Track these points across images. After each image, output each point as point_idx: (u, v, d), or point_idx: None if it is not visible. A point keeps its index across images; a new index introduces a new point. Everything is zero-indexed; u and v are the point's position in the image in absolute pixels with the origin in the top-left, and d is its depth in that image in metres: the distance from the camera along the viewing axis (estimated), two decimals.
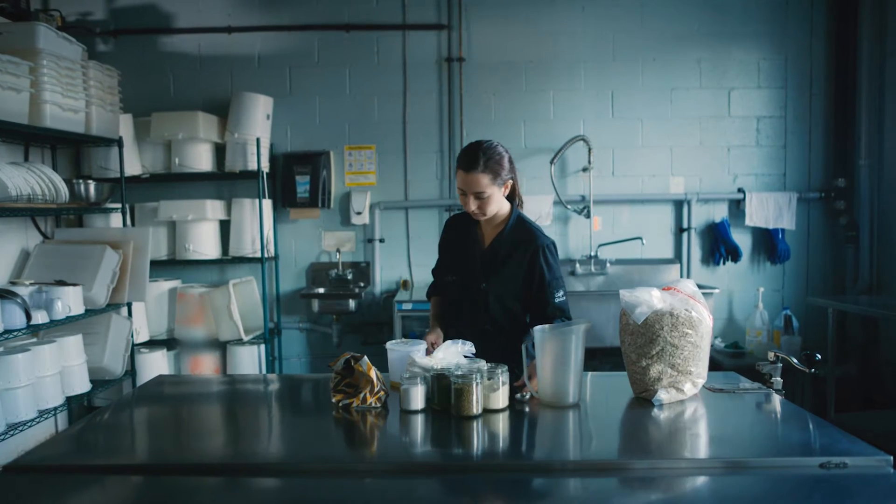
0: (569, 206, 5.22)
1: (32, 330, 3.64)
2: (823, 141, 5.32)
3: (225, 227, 5.23)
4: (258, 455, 1.99)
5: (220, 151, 5.19)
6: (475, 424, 2.12)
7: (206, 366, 5.05)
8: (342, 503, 1.74)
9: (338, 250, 5.33)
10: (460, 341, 2.50)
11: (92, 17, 5.23)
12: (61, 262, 4.18)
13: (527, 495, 1.73)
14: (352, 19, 5.27)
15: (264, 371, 5.07)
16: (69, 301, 3.85)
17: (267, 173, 5.08)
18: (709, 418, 2.21)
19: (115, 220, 4.83)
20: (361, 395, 2.25)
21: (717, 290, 4.92)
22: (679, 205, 5.37)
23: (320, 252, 5.40)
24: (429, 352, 2.59)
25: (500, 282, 2.77)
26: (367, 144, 5.33)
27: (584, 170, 5.28)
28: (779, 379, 2.42)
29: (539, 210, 5.24)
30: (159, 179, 5.13)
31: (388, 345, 2.52)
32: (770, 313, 5.09)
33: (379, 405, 2.27)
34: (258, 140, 4.90)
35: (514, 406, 2.28)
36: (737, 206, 5.34)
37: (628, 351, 2.35)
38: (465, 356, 2.41)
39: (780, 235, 5.28)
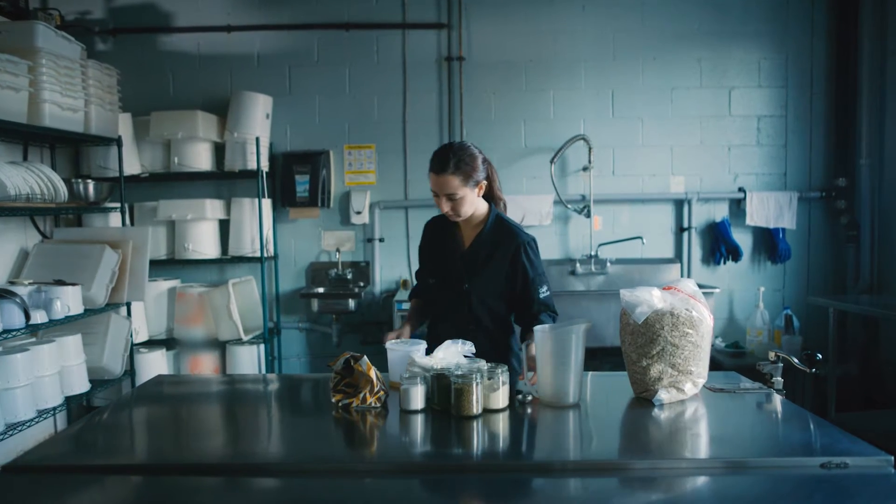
0: (569, 206, 5.22)
1: (31, 330, 3.63)
2: (824, 140, 5.32)
3: (224, 226, 5.22)
4: (258, 455, 1.98)
5: (219, 151, 5.18)
6: (475, 424, 2.11)
7: (205, 366, 5.04)
8: (342, 503, 1.73)
9: (337, 250, 5.32)
10: (460, 341, 2.50)
11: (91, 16, 5.22)
12: (60, 262, 4.17)
13: (527, 495, 1.72)
14: (351, 18, 5.27)
15: (264, 371, 5.07)
16: (68, 301, 3.85)
17: (266, 173, 5.08)
18: (709, 418, 2.20)
19: (115, 219, 4.82)
20: (361, 395, 2.25)
21: (717, 290, 4.91)
22: (679, 204, 5.36)
23: (320, 252, 5.40)
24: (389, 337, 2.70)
25: (482, 282, 2.77)
26: (366, 144, 5.32)
27: (585, 169, 5.27)
28: (779, 379, 2.42)
29: (539, 209, 5.24)
30: (158, 179, 5.13)
31: (388, 345, 2.52)
32: (771, 313, 5.09)
33: (379, 405, 2.27)
34: (258, 139, 4.89)
35: (515, 406, 2.27)
36: (737, 206, 5.33)
37: (629, 351, 2.34)
38: (465, 356, 2.41)
39: (781, 235, 5.27)
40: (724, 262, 5.33)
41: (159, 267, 5.14)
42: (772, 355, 2.44)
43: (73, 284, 3.93)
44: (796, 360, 2.42)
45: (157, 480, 1.79)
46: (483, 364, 2.26)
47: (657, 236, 5.36)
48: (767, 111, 5.31)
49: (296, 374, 4.89)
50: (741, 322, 5.35)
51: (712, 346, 2.50)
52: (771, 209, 5.22)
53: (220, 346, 5.08)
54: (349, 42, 5.29)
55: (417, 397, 2.21)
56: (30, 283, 3.81)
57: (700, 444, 2.01)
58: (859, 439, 1.92)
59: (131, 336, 4.48)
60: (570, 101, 5.32)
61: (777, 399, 2.33)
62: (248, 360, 5.00)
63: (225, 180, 5.30)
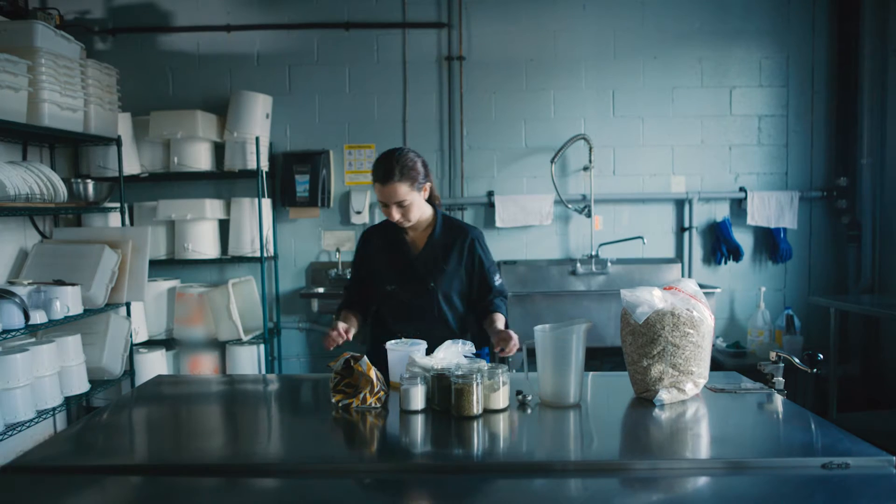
0: (569, 206, 5.21)
1: (31, 330, 3.62)
2: (825, 140, 5.31)
3: (224, 226, 5.21)
4: (257, 455, 1.98)
5: (219, 150, 5.18)
6: (475, 425, 2.11)
7: (205, 366, 5.04)
8: None
9: (337, 250, 5.32)
10: (460, 341, 2.50)
11: (90, 16, 5.22)
12: (60, 262, 4.17)
13: (527, 496, 1.72)
14: (351, 17, 5.26)
15: (264, 371, 5.06)
16: (68, 301, 3.84)
17: (266, 172, 5.07)
18: (710, 418, 2.20)
19: (114, 219, 4.81)
20: (361, 396, 2.24)
21: (718, 290, 4.90)
22: (680, 204, 5.35)
23: (320, 251, 5.39)
24: (332, 340, 2.63)
25: (446, 279, 2.82)
26: (366, 143, 5.32)
27: (585, 169, 5.27)
28: (780, 379, 2.42)
29: (540, 209, 5.23)
30: (158, 179, 5.12)
31: (388, 345, 2.51)
32: (772, 313, 5.08)
33: (379, 405, 2.26)
34: (257, 139, 4.89)
35: (515, 406, 2.27)
36: (738, 206, 5.32)
37: (629, 351, 2.34)
38: (465, 356, 2.40)
39: (782, 235, 5.27)
40: (725, 262, 5.33)
41: (159, 267, 5.14)
42: (773, 355, 2.44)
43: (73, 284, 3.92)
44: (797, 361, 2.42)
45: (156, 481, 1.79)
46: (483, 364, 2.25)
47: (658, 236, 5.36)
48: (768, 111, 5.31)
49: (296, 375, 4.87)
50: (742, 322, 5.34)
51: (713, 346, 2.50)
52: (772, 209, 5.21)
53: (220, 347, 5.07)
54: (349, 41, 5.28)
55: (417, 397, 2.21)
56: (29, 284, 3.81)
57: (701, 445, 2.01)
58: (861, 439, 1.91)
59: (131, 336, 4.47)
60: (571, 101, 5.31)
61: (778, 399, 2.33)
62: (248, 361, 5.00)
63: (225, 180, 5.29)
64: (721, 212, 5.35)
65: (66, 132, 4.07)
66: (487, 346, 2.87)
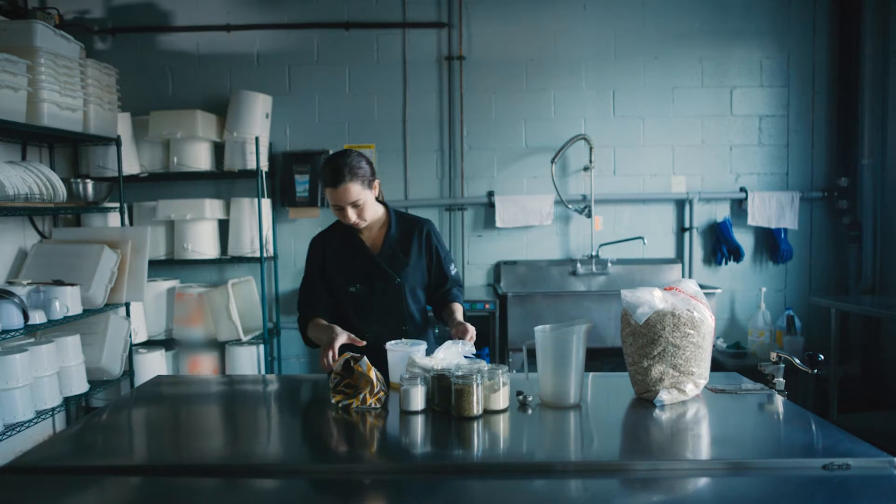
0: (570, 206, 5.20)
1: (30, 330, 3.62)
2: (826, 140, 5.31)
3: (224, 226, 5.21)
4: (257, 456, 1.97)
5: (218, 150, 5.17)
6: (475, 425, 2.10)
7: (204, 366, 5.03)
8: None
9: None
10: (460, 342, 2.49)
11: (90, 16, 5.22)
12: (59, 262, 4.16)
13: (527, 496, 1.71)
14: (351, 17, 5.26)
15: (263, 371, 5.06)
16: (67, 301, 3.84)
17: (266, 172, 5.07)
18: (711, 419, 2.19)
19: (114, 219, 4.81)
20: (361, 396, 2.24)
21: (719, 290, 4.90)
22: (681, 204, 5.35)
23: None
24: (329, 362, 2.47)
25: (410, 273, 2.83)
26: (366, 143, 5.31)
27: (586, 169, 5.26)
28: (781, 380, 2.41)
29: (540, 209, 5.23)
30: (158, 178, 5.12)
31: (388, 345, 2.50)
32: (772, 313, 5.07)
33: (379, 406, 2.25)
34: (257, 139, 4.88)
35: (515, 407, 2.26)
36: (739, 206, 5.32)
37: (630, 351, 2.33)
38: (465, 356, 2.40)
39: (783, 235, 5.26)
40: (726, 263, 5.32)
41: (158, 267, 5.14)
42: (773, 356, 2.44)
43: (72, 285, 3.92)
44: (798, 361, 2.41)
45: (156, 481, 1.78)
46: (483, 365, 2.25)
47: (658, 236, 5.35)
48: (769, 111, 5.30)
49: (295, 375, 4.86)
50: (743, 322, 5.34)
51: (714, 346, 2.49)
52: (773, 209, 5.20)
53: (220, 347, 5.07)
54: (349, 41, 5.28)
55: (417, 398, 2.20)
56: (28, 284, 3.80)
57: (701, 445, 2.00)
58: (861, 440, 1.90)
59: (130, 336, 4.47)
60: (571, 101, 5.31)
61: (779, 400, 2.32)
62: (248, 361, 4.99)
63: (224, 180, 5.29)
64: (722, 212, 5.35)
65: (65, 132, 4.07)
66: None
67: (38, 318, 3.62)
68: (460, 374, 2.14)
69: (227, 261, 5.20)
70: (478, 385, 2.13)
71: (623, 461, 1.85)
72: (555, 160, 5.13)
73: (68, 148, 4.90)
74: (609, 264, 5.24)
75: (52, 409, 3.78)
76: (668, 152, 5.33)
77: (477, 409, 2.13)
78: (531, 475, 1.78)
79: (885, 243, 5.10)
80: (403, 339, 2.60)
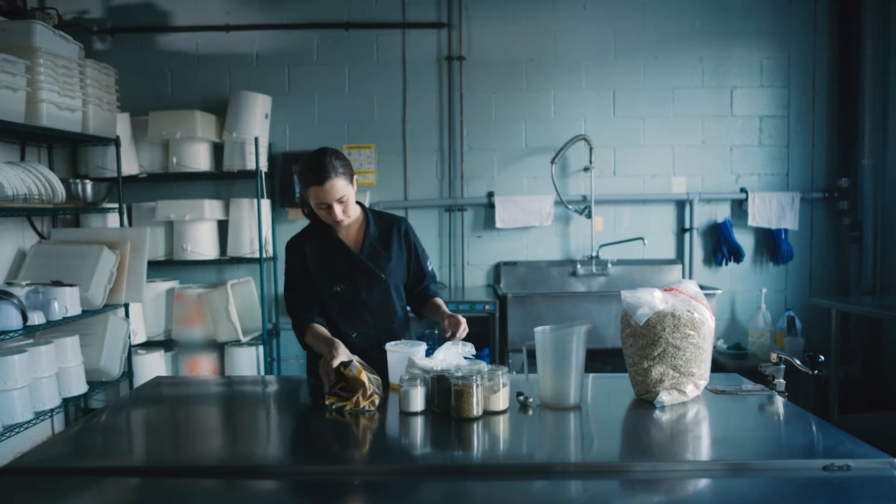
0: (570, 206, 5.20)
1: (29, 331, 3.61)
2: (827, 140, 5.30)
3: (223, 227, 5.20)
4: (256, 457, 1.97)
5: (218, 151, 5.17)
6: (475, 426, 2.10)
7: (203, 367, 5.02)
8: None
9: None
10: (460, 342, 2.49)
11: (89, 16, 5.21)
12: (58, 263, 4.16)
13: (527, 497, 1.71)
14: (351, 17, 5.25)
15: (262, 372, 5.04)
16: (66, 302, 3.83)
17: (265, 173, 5.06)
18: (711, 420, 2.19)
19: (113, 220, 4.80)
20: (354, 399, 2.23)
21: (719, 291, 4.89)
22: (681, 205, 5.35)
23: None
24: (329, 388, 2.37)
25: (395, 269, 2.81)
26: (366, 144, 5.31)
27: (586, 169, 5.26)
28: (781, 380, 2.41)
29: (540, 210, 5.22)
30: (157, 179, 5.11)
31: (388, 346, 2.50)
32: (773, 314, 5.07)
33: (373, 408, 2.24)
34: (256, 139, 4.87)
35: (515, 408, 2.26)
36: (739, 206, 5.31)
37: (630, 352, 2.33)
38: (465, 357, 2.39)
39: (783, 236, 5.26)
40: (726, 263, 5.32)
41: (157, 268, 5.13)
42: (774, 357, 2.44)
43: (71, 285, 3.91)
44: (798, 362, 2.41)
45: (155, 482, 1.78)
46: (483, 365, 2.24)
47: (658, 237, 5.35)
48: (769, 111, 5.30)
49: (295, 376, 4.84)
50: (743, 323, 5.33)
51: (714, 347, 2.49)
52: (773, 210, 5.20)
53: (219, 348, 5.06)
54: (349, 41, 5.27)
55: (417, 399, 2.20)
56: (27, 284, 3.79)
57: (702, 446, 2.00)
58: (862, 441, 1.91)
59: (129, 337, 4.46)
60: (571, 101, 5.30)
61: (779, 401, 2.32)
62: (247, 362, 4.98)
63: (224, 180, 5.28)
64: (722, 213, 5.34)
65: (64, 132, 4.06)
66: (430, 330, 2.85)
67: (36, 318, 3.61)
68: (460, 375, 2.14)
69: (227, 261, 5.19)
70: (478, 386, 2.13)
71: (623, 462, 1.85)
72: (555, 160, 5.13)
73: (67, 148, 4.90)
74: (609, 265, 5.24)
75: (51, 411, 3.77)
76: (668, 153, 5.33)
77: (477, 410, 2.13)
78: (531, 476, 1.78)
79: (885, 244, 5.09)
80: (403, 340, 2.60)
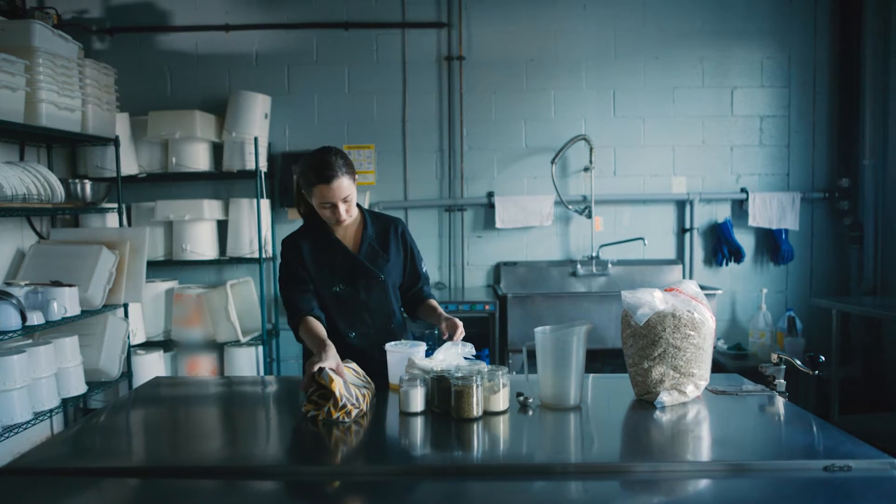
0: (570, 206, 5.19)
1: (28, 331, 3.61)
2: (827, 140, 5.30)
3: (222, 227, 5.19)
4: (256, 458, 1.97)
5: (217, 151, 5.16)
6: (475, 427, 2.09)
7: (203, 367, 5.02)
8: None
9: None
10: (460, 343, 2.48)
11: (88, 15, 5.21)
12: (57, 263, 4.15)
13: (527, 498, 1.71)
14: (351, 17, 5.25)
15: (262, 373, 5.04)
16: (65, 302, 3.83)
17: (265, 173, 5.05)
18: (711, 421, 2.19)
19: (112, 220, 4.80)
20: (325, 409, 2.14)
21: (719, 291, 4.88)
22: (681, 205, 5.34)
23: None
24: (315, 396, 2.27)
25: (393, 269, 2.80)
26: (366, 144, 5.30)
27: (586, 169, 5.25)
28: (782, 381, 2.41)
29: (540, 210, 5.22)
30: (156, 179, 5.11)
31: (388, 346, 2.49)
32: (773, 314, 5.06)
33: (348, 420, 2.15)
34: (256, 139, 4.87)
35: (515, 408, 2.26)
36: (740, 207, 5.31)
37: (630, 353, 2.32)
38: (465, 357, 2.39)
39: (784, 236, 5.25)
40: (727, 264, 5.31)
41: (157, 268, 5.12)
42: (774, 357, 2.43)
43: (70, 286, 3.90)
44: (799, 362, 2.41)
45: (154, 483, 1.78)
46: (483, 366, 2.23)
47: (659, 237, 5.34)
48: (770, 111, 5.29)
49: (294, 377, 4.83)
50: (743, 324, 5.33)
51: (714, 347, 2.49)
52: (773, 210, 5.19)
53: (218, 348, 5.05)
54: (348, 41, 5.27)
55: (417, 400, 2.19)
56: (26, 285, 3.79)
57: (702, 447, 1.99)
58: (862, 442, 1.90)
59: (128, 338, 4.45)
60: (571, 101, 5.30)
61: (780, 401, 2.32)
62: (247, 362, 4.97)
63: (223, 181, 5.28)
64: (722, 213, 5.34)
65: (63, 132, 4.05)
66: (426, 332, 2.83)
67: (35, 319, 3.61)
68: (460, 375, 2.14)
69: (226, 262, 5.19)
70: (478, 386, 2.12)
71: (623, 463, 1.85)
72: (555, 160, 5.12)
73: (66, 148, 4.89)
74: (609, 265, 5.24)
75: (50, 411, 3.76)
76: (668, 153, 5.32)
77: (477, 410, 2.13)
78: (531, 477, 1.78)
79: (886, 244, 5.09)
80: (402, 340, 2.59)
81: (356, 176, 2.71)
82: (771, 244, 5.32)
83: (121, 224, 4.70)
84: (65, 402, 3.92)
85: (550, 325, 2.32)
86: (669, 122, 5.30)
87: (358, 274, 2.75)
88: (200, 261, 5.06)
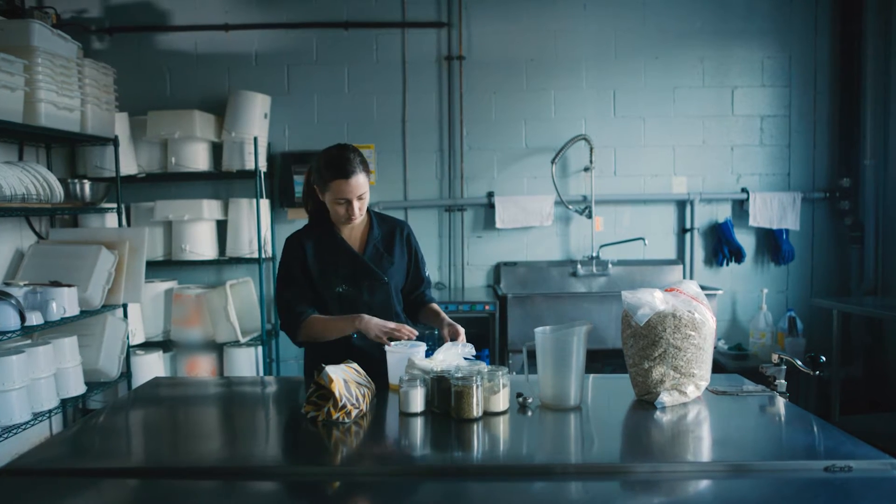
0: (570, 207, 5.19)
1: (27, 331, 3.60)
2: (828, 140, 5.29)
3: (222, 227, 5.19)
4: (255, 458, 1.96)
5: (216, 151, 5.15)
6: (475, 427, 2.09)
7: (202, 368, 5.01)
8: None
9: None
10: (460, 343, 2.48)
11: (87, 15, 5.20)
12: (56, 263, 4.14)
13: (527, 499, 1.70)
14: (350, 17, 5.24)
15: (261, 373, 5.04)
16: (64, 302, 3.82)
17: (264, 173, 5.05)
18: (712, 421, 2.18)
19: (111, 220, 4.79)
20: (325, 409, 2.13)
21: (720, 292, 4.88)
22: (682, 205, 5.34)
23: None
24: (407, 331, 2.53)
25: (396, 272, 2.81)
26: (365, 144, 5.30)
27: (586, 169, 5.25)
28: (783, 381, 2.40)
29: (540, 210, 5.21)
30: (155, 179, 5.10)
31: (387, 346, 2.48)
32: (774, 315, 5.06)
33: (348, 420, 2.14)
34: (255, 139, 4.86)
35: (515, 409, 2.25)
36: (740, 207, 5.30)
37: (630, 353, 2.32)
38: (465, 358, 2.38)
39: (784, 236, 5.25)
40: (727, 264, 5.31)
41: (156, 268, 5.12)
42: (775, 357, 2.43)
43: (69, 286, 3.89)
44: (800, 363, 2.40)
45: (153, 484, 1.78)
46: (483, 366, 2.23)
47: (659, 237, 5.34)
48: (771, 111, 5.29)
49: (294, 377, 4.83)
50: (744, 324, 5.32)
51: (715, 348, 2.48)
52: (774, 210, 5.19)
53: (218, 348, 5.05)
54: (348, 41, 5.26)
55: (417, 400, 2.18)
56: (25, 285, 3.78)
57: (702, 447, 1.99)
58: (863, 442, 1.90)
59: (128, 338, 4.45)
60: (572, 101, 5.29)
61: (780, 402, 2.31)
62: (246, 363, 4.97)
63: (222, 180, 5.27)
64: (723, 213, 5.33)
65: (62, 132, 4.05)
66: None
67: (34, 319, 3.60)
68: (460, 375, 2.13)
69: (226, 262, 5.18)
70: (477, 387, 2.12)
71: (624, 463, 1.84)
72: (555, 160, 5.12)
73: (65, 148, 4.89)
74: (610, 265, 5.23)
75: (49, 412, 3.75)
76: (668, 153, 5.32)
77: (477, 410, 2.12)
78: (531, 477, 1.77)
79: (887, 244, 5.08)
80: (403, 341, 2.58)
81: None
82: (771, 244, 5.31)
83: (120, 224, 4.70)
84: (64, 403, 3.91)
85: (550, 326, 2.31)
86: (670, 122, 5.30)
87: (362, 275, 2.75)
88: (200, 261, 5.05)
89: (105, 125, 4.46)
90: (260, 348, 5.04)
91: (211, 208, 5.04)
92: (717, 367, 4.46)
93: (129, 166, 4.93)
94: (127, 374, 4.53)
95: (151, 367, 4.75)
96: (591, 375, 2.60)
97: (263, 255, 5.01)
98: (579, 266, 5.25)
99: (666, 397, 2.23)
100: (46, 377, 3.73)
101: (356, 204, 2.62)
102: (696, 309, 2.26)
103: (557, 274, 5.28)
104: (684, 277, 5.29)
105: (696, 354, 2.25)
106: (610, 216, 5.34)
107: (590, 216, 5.20)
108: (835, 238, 5.34)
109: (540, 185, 5.27)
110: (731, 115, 5.29)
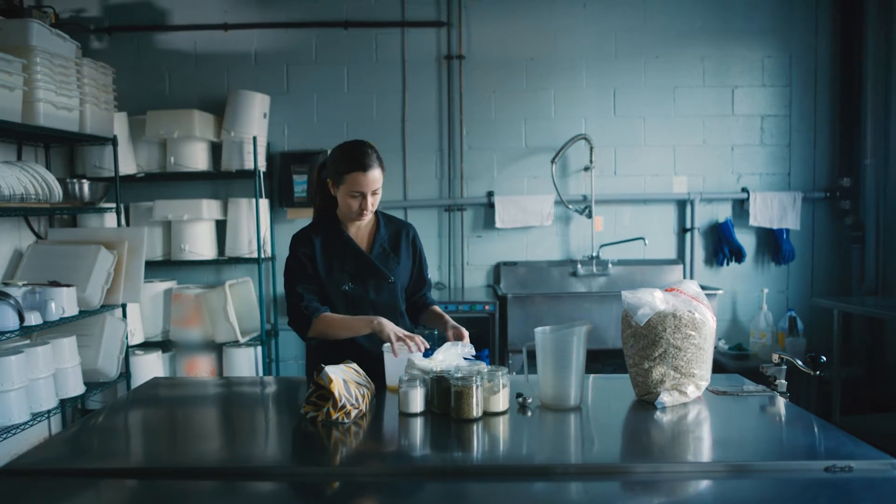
0: (570, 206, 5.18)
1: (25, 332, 3.60)
2: (829, 140, 5.29)
3: (221, 227, 5.18)
4: (255, 459, 1.96)
5: (216, 150, 5.15)
6: (475, 427, 2.08)
7: (201, 368, 5.01)
8: None
9: None
10: (460, 343, 2.47)
11: (86, 14, 5.19)
12: (55, 263, 4.14)
13: (527, 499, 1.70)
14: (350, 16, 5.23)
15: (261, 373, 5.03)
16: (63, 302, 3.81)
17: (264, 172, 5.04)
18: (712, 421, 2.18)
19: (110, 219, 4.79)
20: (325, 410, 2.12)
21: (720, 291, 4.87)
22: (682, 205, 5.33)
23: None
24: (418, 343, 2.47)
25: (400, 272, 2.81)
26: None
27: (586, 169, 5.24)
28: (783, 381, 2.40)
29: (540, 210, 5.21)
30: (154, 179, 5.09)
31: (386, 347, 2.47)
32: (774, 314, 5.05)
33: (347, 420, 2.13)
34: (255, 139, 4.86)
35: (515, 409, 2.25)
36: (741, 206, 5.30)
37: (630, 353, 2.31)
38: (465, 358, 2.38)
39: (785, 236, 5.24)
40: (728, 264, 5.30)
41: (155, 268, 5.11)
42: (775, 357, 2.43)
43: (68, 286, 3.89)
44: (800, 363, 2.40)
45: (152, 484, 1.78)
46: (483, 366, 2.22)
47: (659, 237, 5.33)
48: (771, 110, 5.28)
49: (294, 377, 4.83)
50: (744, 324, 5.31)
51: (715, 348, 2.48)
52: (775, 210, 5.19)
53: (217, 349, 5.04)
54: (348, 40, 5.26)
55: (416, 400, 2.18)
56: (24, 285, 3.77)
57: (703, 448, 1.99)
58: (864, 442, 1.90)
59: (127, 338, 4.44)
60: (572, 100, 5.29)
61: (781, 402, 2.31)
62: (246, 363, 4.96)
63: (222, 180, 5.27)
64: (723, 212, 5.33)
65: (61, 132, 4.05)
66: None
67: (33, 319, 3.59)
68: (460, 375, 2.13)
69: (225, 262, 5.17)
70: (477, 387, 2.11)
71: (624, 464, 1.84)
72: (555, 160, 5.11)
73: (64, 148, 4.89)
74: (610, 265, 5.23)
75: (48, 412, 3.75)
76: (669, 152, 5.31)
77: (476, 411, 2.12)
78: (531, 478, 1.77)
79: (887, 244, 5.07)
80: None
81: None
82: (772, 244, 5.31)
83: (119, 224, 4.69)
84: (63, 403, 3.91)
85: (550, 326, 2.31)
86: (670, 122, 5.29)
87: (368, 274, 2.75)
88: (199, 261, 5.04)
89: (104, 125, 4.46)
90: (259, 348, 5.04)
91: (210, 208, 5.03)
92: (718, 367, 4.45)
93: (128, 166, 4.92)
94: (126, 374, 4.53)
95: (150, 367, 4.75)
96: (591, 375, 2.59)
97: (263, 255, 5.00)
98: (579, 266, 5.25)
99: (666, 397, 2.22)
100: (45, 377, 3.73)
101: (370, 199, 2.64)
102: (697, 309, 2.26)
103: (557, 274, 5.28)
104: (684, 277, 5.28)
105: (696, 354, 2.24)
106: (610, 216, 5.33)
107: (590, 216, 5.20)
108: (835, 238, 5.34)
109: (540, 184, 5.27)
110: (731, 114, 5.29)
